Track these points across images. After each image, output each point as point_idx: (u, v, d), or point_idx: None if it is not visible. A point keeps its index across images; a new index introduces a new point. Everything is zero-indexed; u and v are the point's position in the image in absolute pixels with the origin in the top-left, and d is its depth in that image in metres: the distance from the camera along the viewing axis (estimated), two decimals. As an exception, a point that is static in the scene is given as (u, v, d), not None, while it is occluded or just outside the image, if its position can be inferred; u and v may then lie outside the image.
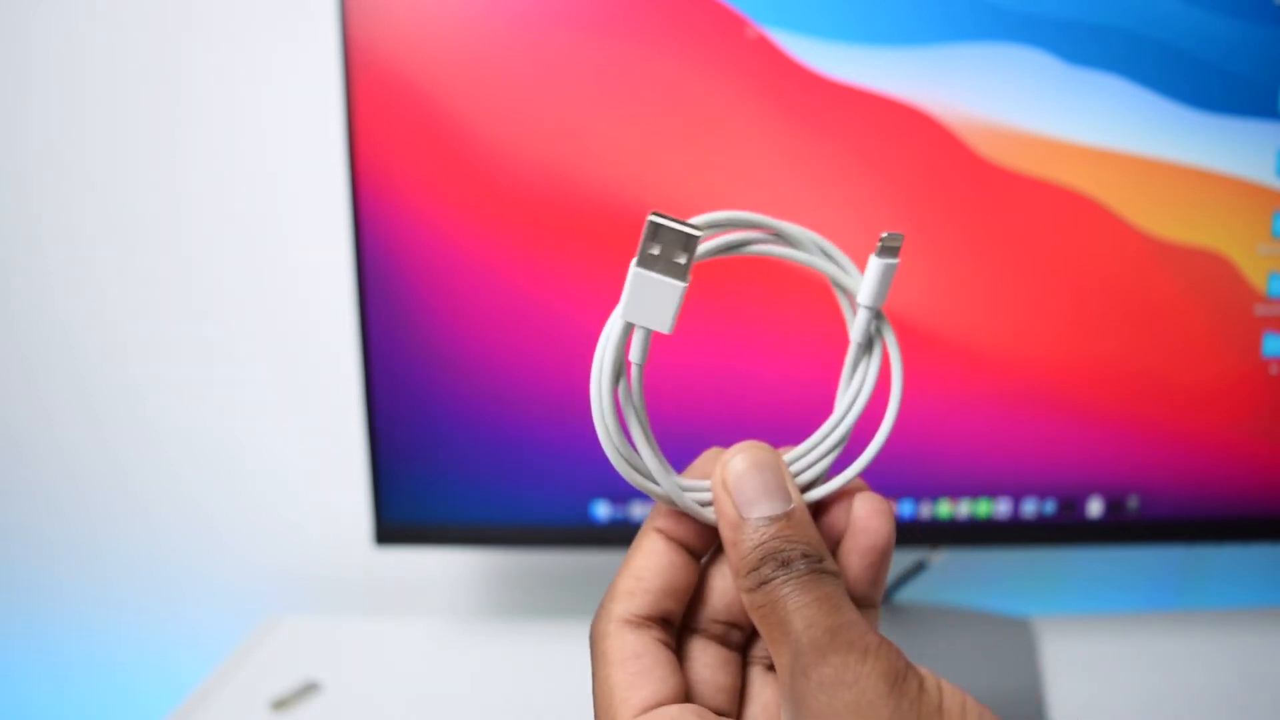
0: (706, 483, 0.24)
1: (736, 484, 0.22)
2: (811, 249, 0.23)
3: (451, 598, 0.75)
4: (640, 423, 0.23)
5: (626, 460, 0.23)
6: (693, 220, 0.21)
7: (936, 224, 0.53)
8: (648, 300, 0.21)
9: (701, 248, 0.22)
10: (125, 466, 0.73)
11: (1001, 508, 0.56)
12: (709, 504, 0.23)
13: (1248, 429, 0.56)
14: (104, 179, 0.68)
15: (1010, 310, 0.54)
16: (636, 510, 0.57)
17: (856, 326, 0.24)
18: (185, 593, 0.76)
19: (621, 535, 0.57)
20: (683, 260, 0.20)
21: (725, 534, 0.23)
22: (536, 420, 0.55)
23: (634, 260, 0.21)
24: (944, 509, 0.56)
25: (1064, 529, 0.57)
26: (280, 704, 0.56)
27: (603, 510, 0.57)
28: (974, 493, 0.56)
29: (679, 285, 0.20)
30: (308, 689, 0.58)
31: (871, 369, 0.24)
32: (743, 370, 0.54)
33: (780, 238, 0.23)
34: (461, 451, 0.56)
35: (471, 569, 0.75)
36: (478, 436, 0.56)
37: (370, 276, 0.54)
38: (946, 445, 0.55)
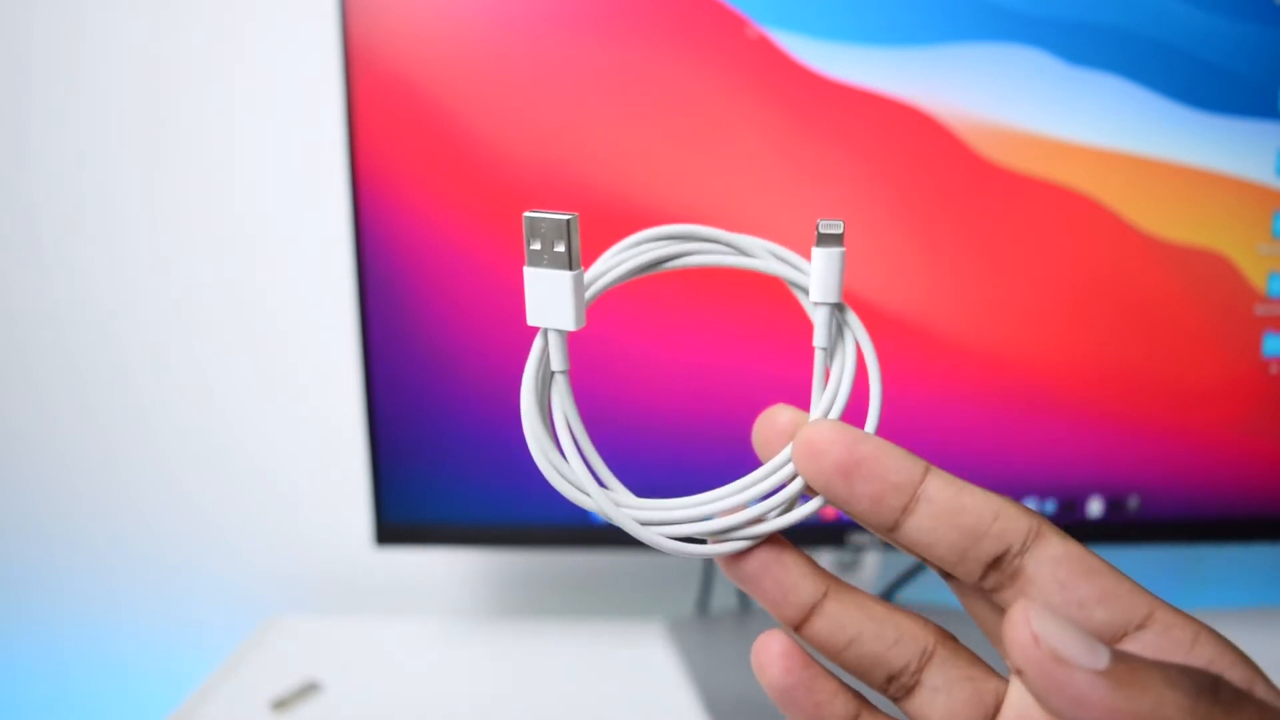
0: (650, 501, 0.23)
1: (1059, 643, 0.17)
2: (763, 255, 0.22)
3: (451, 598, 0.75)
4: (573, 432, 0.22)
5: (555, 468, 0.22)
6: (640, 234, 0.22)
7: (936, 224, 0.53)
8: (547, 299, 0.21)
9: (642, 259, 0.22)
10: (125, 466, 0.73)
11: (1001, 508, 0.56)
12: (651, 523, 0.23)
13: (1248, 429, 0.56)
14: (103, 179, 0.68)
15: (1010, 310, 0.54)
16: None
17: (817, 329, 0.22)
18: (185, 593, 0.76)
19: (621, 536, 0.57)
20: (562, 249, 0.20)
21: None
22: (536, 420, 0.55)
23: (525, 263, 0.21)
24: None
25: (1064, 529, 0.57)
26: (280, 704, 0.56)
27: (603, 510, 0.57)
28: (974, 493, 0.56)
29: (566, 275, 0.20)
30: (308, 689, 0.58)
31: (846, 371, 0.22)
32: (727, 367, 0.54)
33: (729, 248, 0.22)
34: (461, 451, 0.56)
35: (472, 569, 0.75)
36: (478, 436, 0.56)
37: (370, 276, 0.54)
38: (946, 445, 0.55)
